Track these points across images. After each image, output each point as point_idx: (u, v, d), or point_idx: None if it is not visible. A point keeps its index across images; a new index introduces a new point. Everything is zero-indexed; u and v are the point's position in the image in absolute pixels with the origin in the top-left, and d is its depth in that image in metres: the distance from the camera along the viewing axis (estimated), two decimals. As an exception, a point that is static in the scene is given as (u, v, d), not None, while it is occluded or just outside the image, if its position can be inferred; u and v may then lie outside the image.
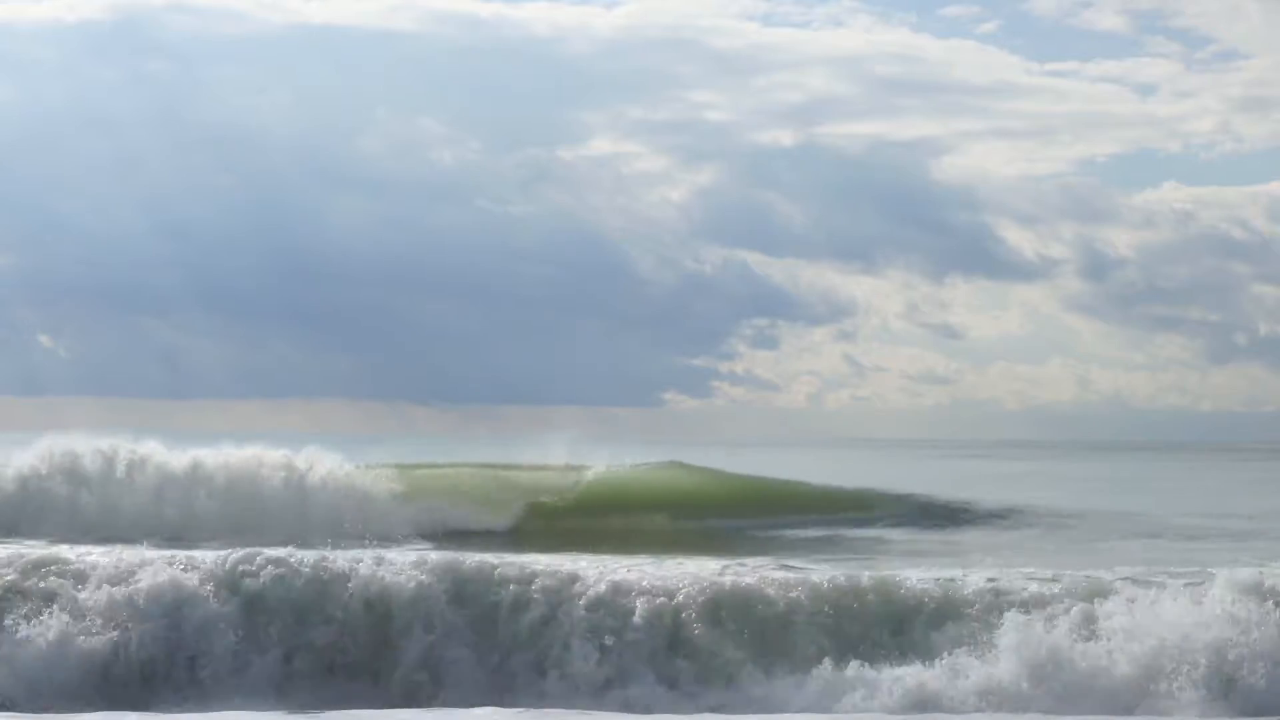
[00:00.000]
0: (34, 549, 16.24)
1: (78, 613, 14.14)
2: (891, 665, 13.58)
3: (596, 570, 14.88)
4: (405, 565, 14.81)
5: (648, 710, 13.18)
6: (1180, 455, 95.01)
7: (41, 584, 14.49)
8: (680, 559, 16.78)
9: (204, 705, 13.28)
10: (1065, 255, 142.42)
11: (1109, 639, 13.61)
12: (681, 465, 30.15)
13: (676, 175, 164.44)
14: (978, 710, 12.98)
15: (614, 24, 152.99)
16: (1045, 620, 13.84)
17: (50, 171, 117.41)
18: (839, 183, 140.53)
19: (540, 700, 13.42)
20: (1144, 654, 13.38)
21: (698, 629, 14.05)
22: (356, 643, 14.22)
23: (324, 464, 26.22)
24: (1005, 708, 12.99)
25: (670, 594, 14.35)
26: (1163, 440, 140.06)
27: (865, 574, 15.02)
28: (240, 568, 14.68)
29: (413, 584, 14.50)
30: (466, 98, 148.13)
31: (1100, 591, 14.43)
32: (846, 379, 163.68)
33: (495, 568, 14.85)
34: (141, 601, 14.22)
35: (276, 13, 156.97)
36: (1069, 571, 15.47)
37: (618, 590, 14.37)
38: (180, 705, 13.29)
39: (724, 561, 16.19)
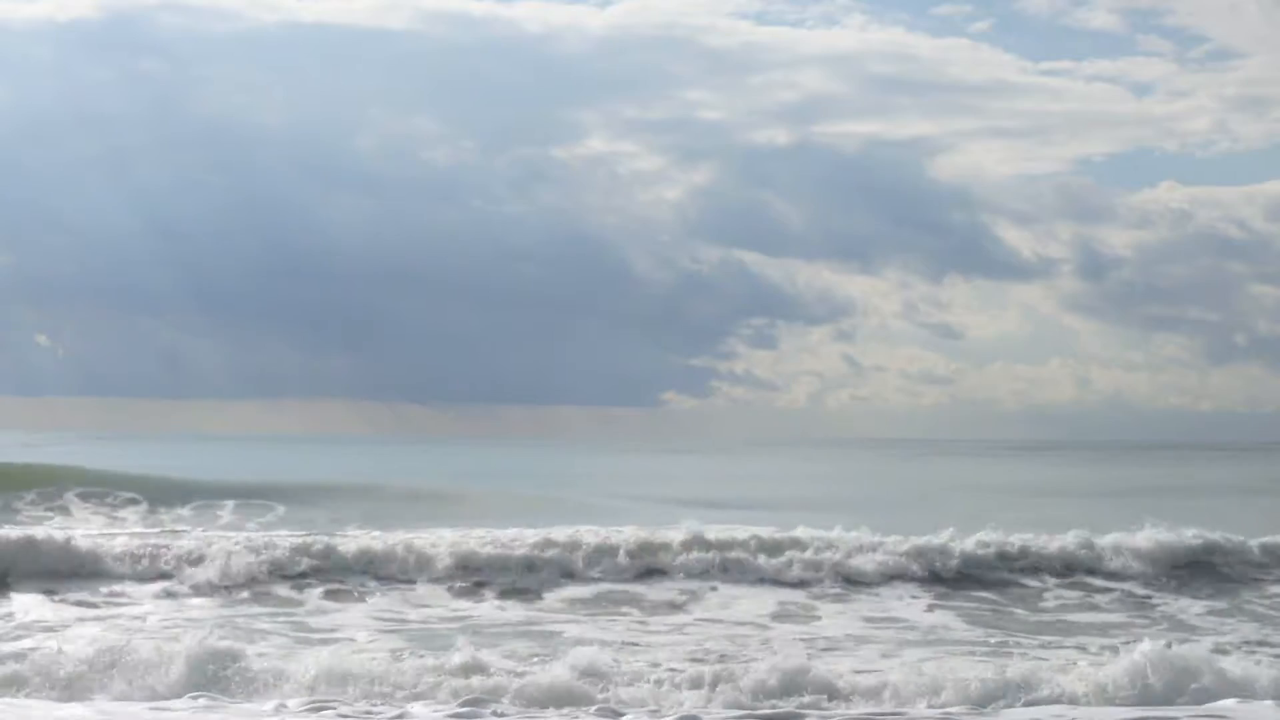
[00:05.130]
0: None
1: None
2: None
3: None
4: None
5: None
6: (1182, 455, 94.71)
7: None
8: None
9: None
10: (1063, 255, 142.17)
11: None
12: None
13: (672, 175, 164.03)
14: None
15: (607, 22, 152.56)
16: None
17: (45, 171, 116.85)
18: (835, 182, 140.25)
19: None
20: None
21: None
22: None
23: None
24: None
25: None
26: (1163, 440, 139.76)
27: None
28: None
29: None
30: (460, 96, 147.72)
31: None
32: (846, 379, 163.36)
33: None
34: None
35: (269, 11, 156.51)
36: None
37: None
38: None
39: None
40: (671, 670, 13.33)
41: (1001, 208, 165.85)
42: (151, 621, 16.79)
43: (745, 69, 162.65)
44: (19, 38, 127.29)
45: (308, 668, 12.81)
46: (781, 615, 18.39)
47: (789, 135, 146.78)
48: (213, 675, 12.72)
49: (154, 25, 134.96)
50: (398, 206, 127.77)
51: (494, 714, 11.84)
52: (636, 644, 15.69)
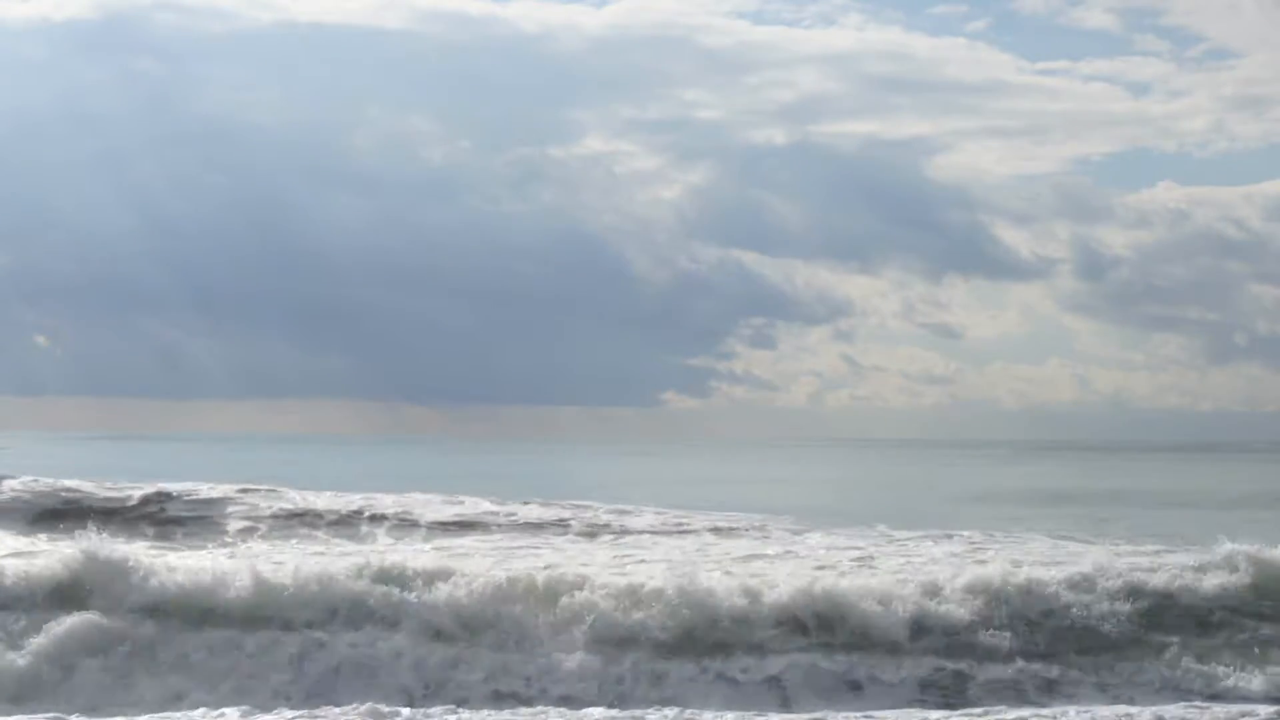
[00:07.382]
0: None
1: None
2: None
3: None
4: None
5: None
6: (1183, 455, 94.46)
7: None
8: None
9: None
10: (1061, 255, 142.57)
11: None
12: None
13: (669, 174, 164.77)
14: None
15: (604, 22, 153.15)
16: None
17: (43, 170, 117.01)
18: (833, 182, 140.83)
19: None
20: None
21: None
22: None
23: None
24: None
25: None
26: (1163, 440, 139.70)
27: None
28: None
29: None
30: (457, 95, 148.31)
31: None
32: (845, 379, 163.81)
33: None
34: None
35: (265, 11, 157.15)
36: None
37: None
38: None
39: None
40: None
41: (999, 207, 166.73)
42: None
43: (742, 68, 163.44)
44: (15, 37, 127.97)
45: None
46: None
47: (786, 135, 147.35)
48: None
49: (150, 24, 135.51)
50: (395, 205, 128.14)
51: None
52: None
